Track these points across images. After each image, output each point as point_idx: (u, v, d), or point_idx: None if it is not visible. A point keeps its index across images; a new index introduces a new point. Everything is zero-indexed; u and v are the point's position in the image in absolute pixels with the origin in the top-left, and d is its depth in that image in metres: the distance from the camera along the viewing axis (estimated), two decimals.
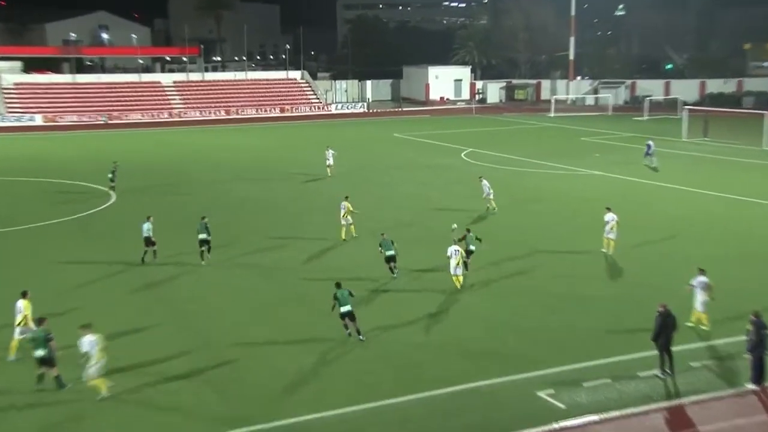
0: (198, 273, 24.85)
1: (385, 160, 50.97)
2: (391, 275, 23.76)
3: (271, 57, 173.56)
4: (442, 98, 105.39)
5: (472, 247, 24.20)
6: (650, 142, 46.97)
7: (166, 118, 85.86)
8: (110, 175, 39.39)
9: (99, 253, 27.25)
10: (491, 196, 33.27)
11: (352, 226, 28.53)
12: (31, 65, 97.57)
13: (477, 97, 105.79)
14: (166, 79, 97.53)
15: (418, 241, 28.05)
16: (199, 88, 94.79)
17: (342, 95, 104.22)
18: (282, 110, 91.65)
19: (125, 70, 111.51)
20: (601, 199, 29.04)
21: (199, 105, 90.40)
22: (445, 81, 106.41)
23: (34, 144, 63.75)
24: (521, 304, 21.63)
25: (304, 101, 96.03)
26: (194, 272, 24.92)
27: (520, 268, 25.06)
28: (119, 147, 58.40)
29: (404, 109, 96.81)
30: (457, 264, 22.29)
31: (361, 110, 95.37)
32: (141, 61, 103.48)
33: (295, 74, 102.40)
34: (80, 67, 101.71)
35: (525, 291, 22.79)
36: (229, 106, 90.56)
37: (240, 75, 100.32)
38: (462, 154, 52.89)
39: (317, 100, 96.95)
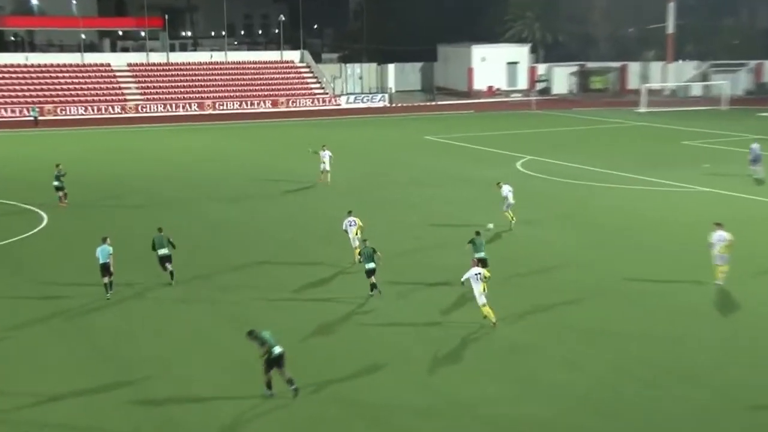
0: (149, 313, 25.75)
1: (410, 170, 51.02)
2: (368, 293, 26.13)
3: (260, 32, 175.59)
4: (490, 88, 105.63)
5: (483, 254, 25.57)
6: (755, 145, 46.74)
7: (118, 113, 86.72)
8: (56, 183, 40.54)
9: (28, 290, 28.05)
10: (510, 207, 35.04)
11: (357, 250, 28.95)
12: None
13: (539, 86, 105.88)
14: (117, 60, 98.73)
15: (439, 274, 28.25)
16: (163, 73, 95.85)
17: (355, 84, 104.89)
18: (274, 104, 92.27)
19: (62, 49, 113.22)
20: (711, 225, 28.91)
21: (162, 96, 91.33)
22: (495, 65, 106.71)
23: None
24: (596, 363, 21.17)
25: (304, 92, 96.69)
26: (144, 311, 25.95)
27: (592, 309, 24.97)
28: (54, 152, 58.67)
29: (439, 102, 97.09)
30: (483, 290, 23.08)
31: (381, 104, 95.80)
32: (84, 37, 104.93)
33: (293, 55, 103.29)
34: (0, 44, 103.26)
35: (600, 341, 22.45)
36: (203, 98, 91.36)
37: (218, 56, 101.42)
38: (517, 164, 52.85)
39: (322, 91, 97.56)
